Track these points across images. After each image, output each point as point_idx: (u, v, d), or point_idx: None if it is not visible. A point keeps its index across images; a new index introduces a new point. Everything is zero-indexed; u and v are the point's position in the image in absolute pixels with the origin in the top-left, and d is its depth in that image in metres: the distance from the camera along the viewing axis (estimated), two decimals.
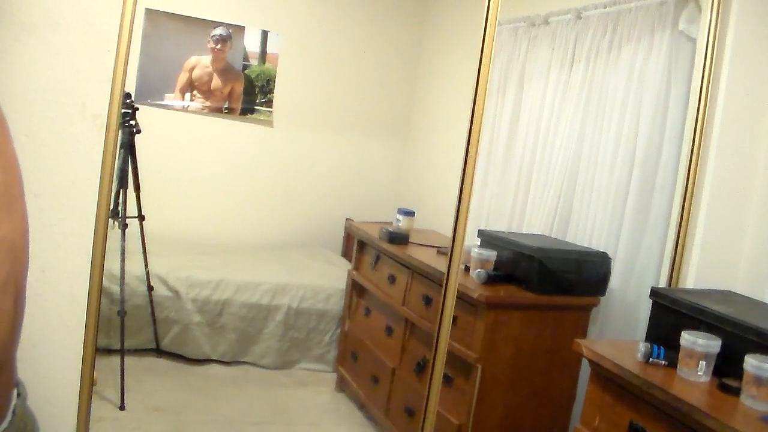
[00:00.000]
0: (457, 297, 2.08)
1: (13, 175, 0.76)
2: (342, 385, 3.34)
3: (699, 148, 2.14)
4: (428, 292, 2.57)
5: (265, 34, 4.09)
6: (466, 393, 2.27)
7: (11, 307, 0.72)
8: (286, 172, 4.27)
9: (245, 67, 4.06)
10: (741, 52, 2.10)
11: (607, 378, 1.70)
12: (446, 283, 2.06)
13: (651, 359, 1.65)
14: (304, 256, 4.00)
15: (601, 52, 2.64)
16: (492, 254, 2.41)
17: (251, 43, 4.06)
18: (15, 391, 0.82)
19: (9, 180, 0.74)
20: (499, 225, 3.10)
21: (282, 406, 3.08)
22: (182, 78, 3.92)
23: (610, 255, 2.39)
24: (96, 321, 1.68)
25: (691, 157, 2.16)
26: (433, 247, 2.96)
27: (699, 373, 1.57)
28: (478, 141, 1.99)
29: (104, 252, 1.67)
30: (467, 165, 1.99)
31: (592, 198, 2.61)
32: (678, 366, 1.61)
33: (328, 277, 3.63)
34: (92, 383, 1.72)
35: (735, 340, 1.59)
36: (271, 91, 4.13)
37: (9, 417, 0.78)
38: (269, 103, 4.14)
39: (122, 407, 2.77)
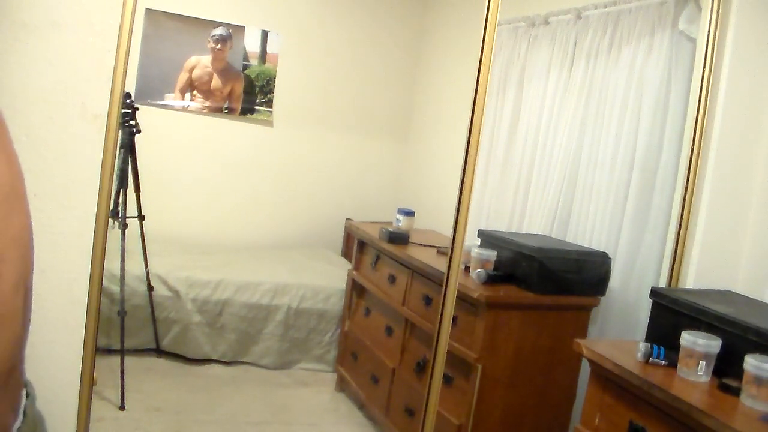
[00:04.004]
0: (457, 297, 2.08)
1: (19, 174, 0.76)
2: (342, 385, 3.34)
3: (699, 148, 2.14)
4: (428, 292, 2.57)
5: (265, 34, 4.09)
6: (466, 393, 2.27)
7: (22, 307, 0.72)
8: (286, 172, 4.27)
9: (245, 67, 4.06)
10: (741, 52, 2.10)
11: (607, 378, 1.70)
12: (446, 283, 2.06)
13: (651, 359, 1.65)
14: (304, 256, 4.00)
15: (601, 52, 2.64)
16: (492, 254, 2.41)
17: (251, 43, 4.06)
18: (24, 392, 0.81)
19: (16, 178, 0.75)
20: (499, 225, 3.10)
21: (282, 406, 3.08)
22: (182, 78, 3.92)
23: (610, 255, 2.39)
24: (96, 321, 1.68)
25: (691, 157, 2.16)
26: (433, 247, 2.96)
27: (699, 373, 1.57)
28: (478, 141, 1.99)
29: (104, 252, 1.67)
30: (467, 165, 1.99)
31: (592, 198, 2.60)
32: (678, 366, 1.61)
33: (328, 277, 3.63)
34: (92, 383, 1.72)
35: (735, 340, 1.59)
36: (271, 91, 4.13)
37: (21, 417, 0.78)
38: (269, 103, 4.14)
39: (122, 407, 2.77)
